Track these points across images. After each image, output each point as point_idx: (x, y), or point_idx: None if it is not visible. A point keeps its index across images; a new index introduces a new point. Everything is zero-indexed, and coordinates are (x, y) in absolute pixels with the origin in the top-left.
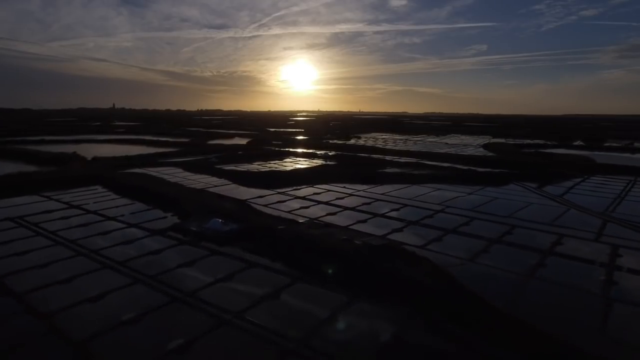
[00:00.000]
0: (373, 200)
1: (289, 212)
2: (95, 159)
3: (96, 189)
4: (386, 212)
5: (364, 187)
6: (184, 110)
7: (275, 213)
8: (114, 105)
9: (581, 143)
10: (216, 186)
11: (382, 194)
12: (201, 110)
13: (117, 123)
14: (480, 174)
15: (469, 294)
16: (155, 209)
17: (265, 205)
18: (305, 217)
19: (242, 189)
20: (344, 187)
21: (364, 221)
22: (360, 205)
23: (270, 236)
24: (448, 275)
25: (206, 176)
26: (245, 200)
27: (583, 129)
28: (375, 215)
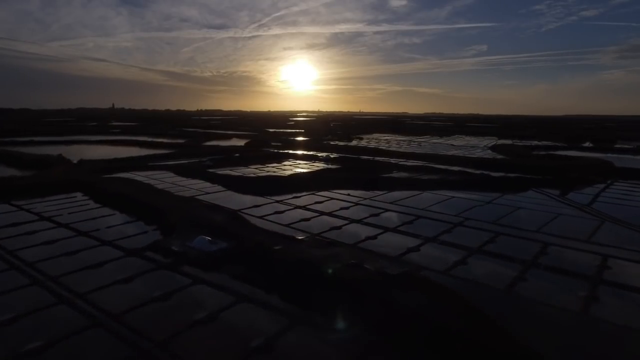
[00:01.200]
0: (382, 210)
1: (287, 225)
2: (81, 161)
3: (75, 197)
4: (398, 226)
5: (370, 194)
6: (183, 111)
7: (272, 227)
8: (113, 105)
9: (590, 144)
10: (208, 193)
11: (390, 202)
12: (201, 110)
13: (114, 123)
14: (495, 180)
15: (519, 347)
16: (137, 221)
17: (261, 217)
18: (305, 232)
19: (236, 196)
20: (348, 194)
21: (374, 237)
22: (367, 217)
23: (265, 259)
24: (487, 318)
25: (198, 181)
26: (239, 210)
27: (587, 129)
28: (385, 229)
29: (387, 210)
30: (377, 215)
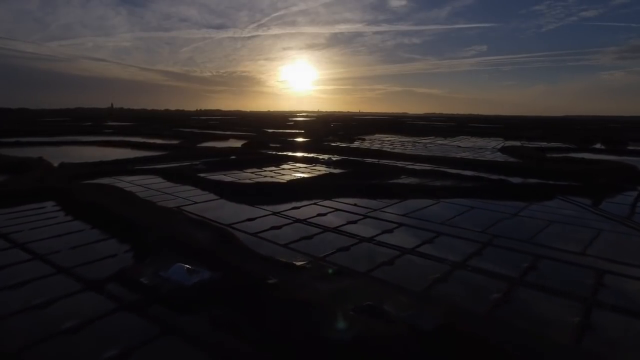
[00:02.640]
0: (395, 225)
1: (285, 245)
2: (62, 165)
3: (45, 208)
4: (416, 246)
5: (379, 204)
6: (183, 110)
7: (267, 248)
8: (112, 105)
9: (602, 146)
10: (196, 203)
11: (403, 214)
12: (200, 110)
13: (109, 123)
14: (515, 187)
15: None
16: (109, 239)
17: (254, 234)
18: (307, 254)
19: (228, 206)
20: (355, 204)
21: (390, 263)
22: (379, 234)
23: (256, 298)
24: None
25: (188, 187)
26: (229, 225)
27: (590, 130)
28: (403, 251)
29: (401, 224)
30: (390, 231)
